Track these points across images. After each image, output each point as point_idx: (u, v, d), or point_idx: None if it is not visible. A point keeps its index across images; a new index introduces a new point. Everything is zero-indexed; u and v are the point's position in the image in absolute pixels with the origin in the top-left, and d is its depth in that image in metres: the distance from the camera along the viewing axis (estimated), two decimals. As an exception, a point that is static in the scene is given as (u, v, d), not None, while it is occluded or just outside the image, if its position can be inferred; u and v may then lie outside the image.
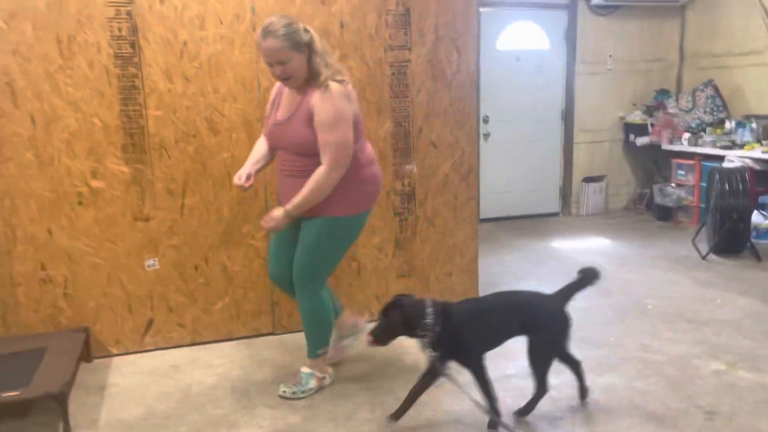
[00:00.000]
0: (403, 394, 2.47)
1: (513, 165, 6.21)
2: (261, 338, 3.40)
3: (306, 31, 2.53)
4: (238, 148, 3.23)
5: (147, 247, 3.18)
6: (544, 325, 2.45)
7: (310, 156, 2.54)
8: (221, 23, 3.11)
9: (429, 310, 2.35)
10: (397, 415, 2.43)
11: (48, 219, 3.02)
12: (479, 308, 2.51)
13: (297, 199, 2.52)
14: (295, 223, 2.63)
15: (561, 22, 6.13)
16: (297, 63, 2.49)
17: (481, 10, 3.66)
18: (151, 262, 3.20)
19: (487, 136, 6.02)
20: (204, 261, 3.28)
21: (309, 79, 2.54)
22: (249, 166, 2.71)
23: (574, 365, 2.58)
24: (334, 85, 2.50)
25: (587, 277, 2.53)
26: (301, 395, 2.71)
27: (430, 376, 2.41)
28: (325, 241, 2.64)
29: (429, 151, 3.58)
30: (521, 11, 6.02)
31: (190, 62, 3.09)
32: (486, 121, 5.98)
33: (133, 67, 3.02)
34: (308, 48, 2.51)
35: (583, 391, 2.60)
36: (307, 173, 2.52)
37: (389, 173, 3.50)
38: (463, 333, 2.37)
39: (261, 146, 2.78)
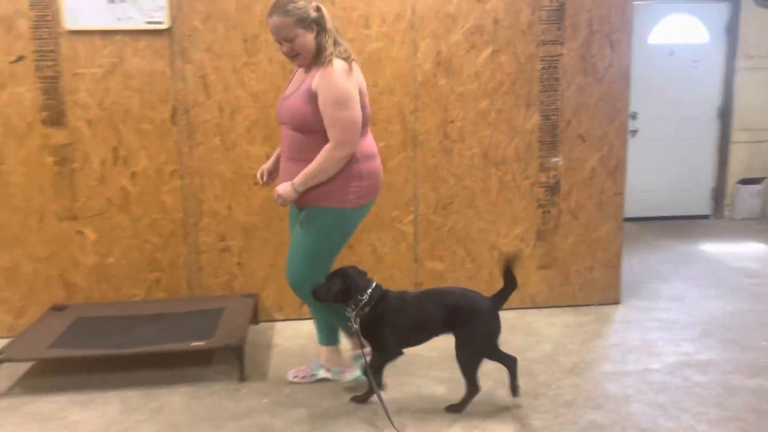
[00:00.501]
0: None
1: (661, 163, 5.98)
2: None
3: (317, 9, 2.45)
4: (393, 138, 3.48)
5: (308, 225, 3.53)
6: (472, 324, 2.44)
7: (304, 132, 2.47)
8: (384, 22, 3.37)
9: (369, 290, 2.48)
10: (362, 399, 2.61)
11: (229, 197, 3.45)
12: (409, 303, 2.53)
13: (303, 173, 2.44)
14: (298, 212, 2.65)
15: (722, 14, 5.81)
16: (303, 40, 2.42)
17: (635, 3, 3.61)
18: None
19: (634, 132, 5.85)
20: (357, 241, 3.56)
21: (316, 57, 2.47)
22: (269, 163, 2.78)
23: (509, 363, 2.55)
24: (337, 62, 2.41)
25: (506, 271, 2.48)
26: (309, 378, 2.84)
27: (378, 358, 2.55)
28: (313, 232, 2.54)
29: (576, 145, 3.61)
30: (678, 4, 5.78)
31: (356, 58, 3.37)
32: (634, 117, 5.81)
33: (305, 62, 3.36)
34: (317, 25, 2.45)
35: (514, 389, 2.56)
36: (304, 155, 2.46)
37: (535, 165, 3.59)
38: (385, 323, 2.47)
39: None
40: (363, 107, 2.49)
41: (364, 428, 2.42)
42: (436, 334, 2.53)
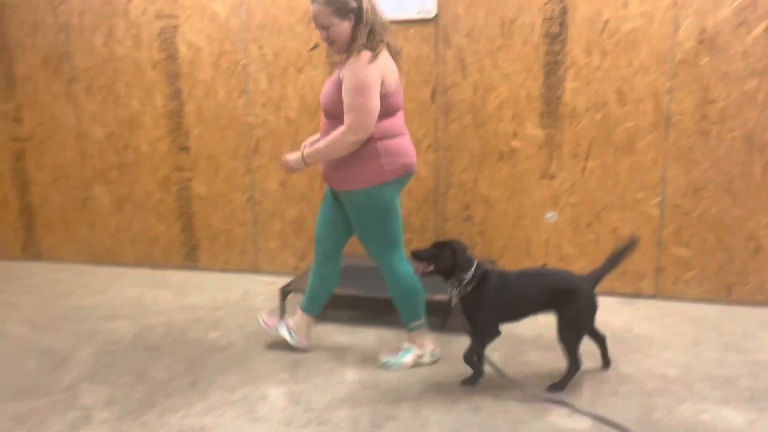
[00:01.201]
0: None
1: None
2: (641, 299, 3.61)
3: (357, 0, 2.48)
4: (643, 119, 3.44)
5: (549, 201, 3.68)
6: (573, 303, 2.49)
7: (333, 118, 2.56)
8: (644, 1, 3.34)
9: (473, 268, 2.53)
10: (473, 379, 2.64)
11: (475, 170, 3.76)
12: (512, 282, 2.55)
13: (315, 147, 2.58)
14: (334, 193, 2.76)
15: None
16: (339, 28, 2.50)
17: None
18: (551, 214, 3.69)
19: None
20: (597, 219, 3.62)
21: (350, 46, 2.53)
22: (309, 142, 2.84)
23: (600, 340, 2.71)
24: (365, 53, 2.46)
25: (617, 254, 2.56)
26: (391, 367, 2.79)
27: (480, 340, 2.59)
28: (362, 215, 2.66)
29: None
30: None
31: (609, 38, 3.42)
32: None
33: (559, 44, 3.49)
34: (354, 15, 2.49)
35: (606, 362, 2.74)
36: None
37: (809, 152, 3.26)
38: (487, 302, 2.52)
39: None
40: (388, 95, 2.54)
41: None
42: (534, 314, 2.60)
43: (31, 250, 4.64)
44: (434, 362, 2.84)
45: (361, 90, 2.45)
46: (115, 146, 4.32)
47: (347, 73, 2.48)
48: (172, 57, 4.07)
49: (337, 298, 3.44)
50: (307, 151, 2.61)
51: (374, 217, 2.66)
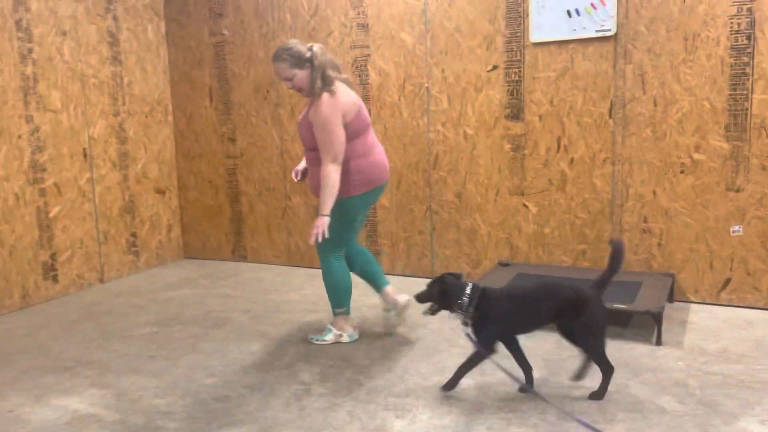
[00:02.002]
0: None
1: None
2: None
3: (309, 49, 3.08)
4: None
5: (734, 214, 3.62)
6: (585, 312, 2.54)
7: (311, 150, 3.17)
8: (843, 8, 3.22)
9: (467, 291, 2.63)
10: (448, 386, 2.74)
11: (654, 182, 3.80)
12: (515, 294, 2.71)
13: (320, 200, 3.07)
14: None
15: None
16: (300, 77, 3.09)
17: None
18: (737, 228, 3.62)
19: None
20: (789, 234, 3.50)
21: (311, 90, 3.09)
22: (301, 165, 3.42)
23: (609, 371, 2.64)
24: (324, 96, 3.03)
25: (614, 260, 2.59)
26: (316, 342, 3.39)
27: (476, 355, 2.66)
28: (337, 219, 3.12)
29: None
30: None
31: (804, 48, 3.33)
32: None
33: (746, 56, 3.46)
34: (310, 63, 3.05)
35: (580, 375, 2.71)
36: (317, 162, 3.11)
37: None
38: (491, 318, 2.61)
39: None
40: (348, 123, 3.08)
41: (783, 405, 2.54)
42: (544, 325, 2.72)
43: (239, 252, 5.36)
44: (353, 342, 3.40)
45: (325, 127, 3.03)
46: (310, 162, 4.90)
47: (313, 116, 3.08)
48: (363, 82, 4.56)
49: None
50: (321, 208, 3.08)
51: (337, 223, 3.14)
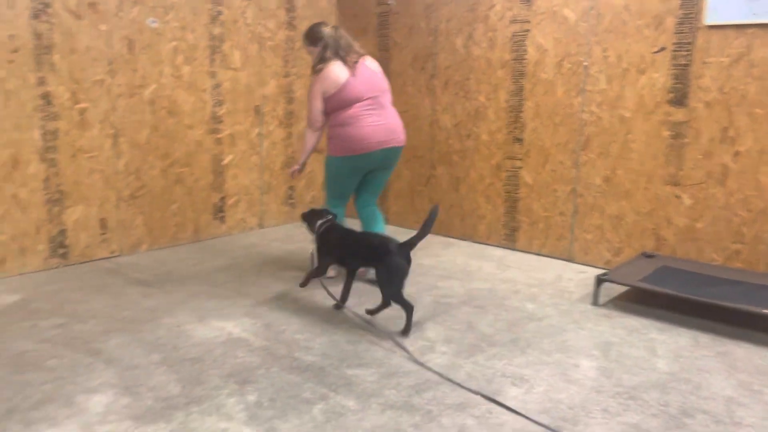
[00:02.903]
0: None
1: None
2: None
3: (324, 28, 3.73)
4: None
5: None
6: (384, 262, 3.13)
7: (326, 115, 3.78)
8: None
9: (319, 222, 3.51)
10: (302, 284, 3.52)
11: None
12: (343, 233, 3.48)
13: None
14: None
15: None
16: (313, 53, 3.76)
17: None
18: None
19: None
20: None
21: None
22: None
23: (407, 309, 3.14)
24: (317, 72, 3.67)
25: (426, 223, 3.16)
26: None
27: (313, 272, 3.51)
28: (325, 171, 3.89)
29: None
30: None
31: None
32: None
33: None
34: (322, 42, 3.67)
35: (407, 330, 3.16)
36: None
37: None
38: (321, 245, 3.48)
39: None
40: (330, 97, 3.63)
41: None
42: (359, 265, 3.50)
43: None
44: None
45: (308, 98, 3.77)
46: (459, 134, 5.00)
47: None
48: (520, 58, 4.56)
49: (657, 296, 3.55)
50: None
51: (326, 175, 3.91)
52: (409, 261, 3.19)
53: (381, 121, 3.69)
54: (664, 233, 4.09)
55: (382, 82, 3.81)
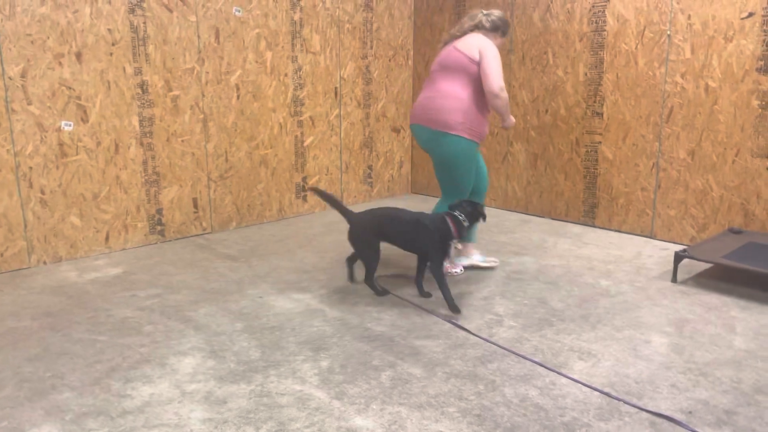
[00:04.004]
0: None
1: None
2: None
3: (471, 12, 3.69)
4: None
5: None
6: None
7: None
8: None
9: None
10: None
11: None
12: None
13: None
14: None
15: None
16: None
17: None
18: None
19: None
20: None
21: None
22: None
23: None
24: None
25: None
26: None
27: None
28: None
29: None
30: None
31: None
32: None
33: None
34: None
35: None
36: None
37: None
38: None
39: None
40: None
41: None
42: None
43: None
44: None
45: None
46: (537, 109, 4.94)
47: None
48: (599, 29, 4.43)
49: (738, 272, 3.42)
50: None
51: None
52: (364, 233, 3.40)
53: (423, 96, 3.57)
54: (753, 208, 3.90)
55: (448, 59, 3.49)
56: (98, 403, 2.37)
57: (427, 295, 3.40)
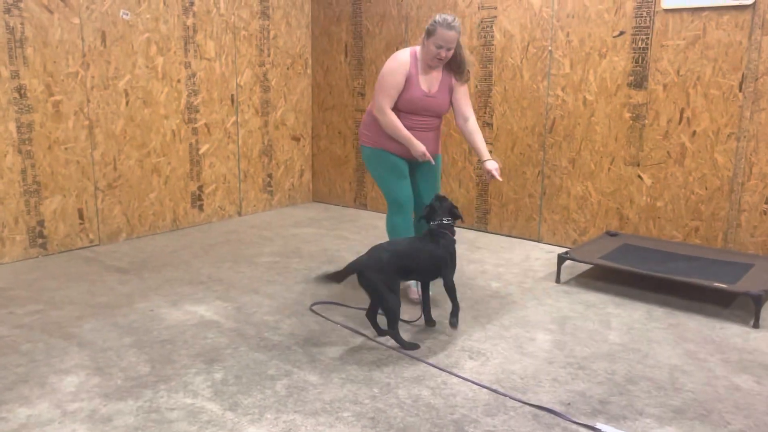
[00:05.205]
0: None
1: None
2: None
3: None
4: None
5: None
6: None
7: (439, 117, 3.45)
8: None
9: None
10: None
11: (782, 162, 3.59)
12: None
13: (482, 145, 3.42)
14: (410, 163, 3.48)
15: None
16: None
17: None
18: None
19: None
20: None
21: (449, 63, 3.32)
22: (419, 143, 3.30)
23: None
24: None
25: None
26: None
27: None
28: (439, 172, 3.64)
29: None
30: None
31: None
32: None
33: None
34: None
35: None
36: (436, 129, 3.47)
37: None
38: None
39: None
40: None
41: None
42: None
43: (359, 200, 5.75)
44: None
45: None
46: (431, 119, 5.10)
47: (463, 86, 3.42)
48: (488, 43, 4.65)
49: (614, 272, 3.68)
50: (486, 152, 3.41)
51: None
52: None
53: None
54: (626, 212, 4.22)
55: None
56: (-34, 430, 2.20)
57: (433, 323, 3.13)
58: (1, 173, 3.95)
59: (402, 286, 3.60)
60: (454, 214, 3.16)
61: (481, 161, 3.40)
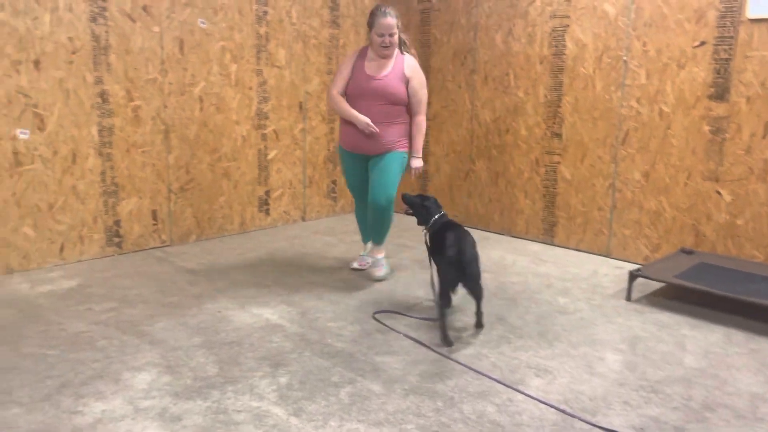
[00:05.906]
0: None
1: None
2: None
3: None
4: None
5: None
6: None
7: (395, 105, 3.70)
8: None
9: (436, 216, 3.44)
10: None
11: None
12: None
13: (418, 144, 3.84)
14: (363, 158, 3.87)
15: None
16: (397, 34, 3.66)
17: None
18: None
19: None
20: None
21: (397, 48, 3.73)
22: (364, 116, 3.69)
23: None
24: (413, 53, 3.84)
25: None
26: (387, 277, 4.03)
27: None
28: (398, 165, 3.82)
29: None
30: None
31: None
32: None
33: None
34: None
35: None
36: (391, 120, 3.72)
37: None
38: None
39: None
40: None
41: None
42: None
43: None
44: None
45: (425, 84, 3.78)
46: (498, 129, 5.04)
47: (415, 73, 3.71)
48: (559, 53, 4.56)
49: (692, 293, 3.53)
50: (419, 151, 3.82)
51: (401, 169, 3.84)
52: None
53: None
54: (703, 229, 4.04)
55: None
56: (48, 420, 2.30)
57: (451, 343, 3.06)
58: (83, 174, 4.14)
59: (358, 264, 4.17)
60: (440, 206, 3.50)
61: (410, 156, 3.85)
